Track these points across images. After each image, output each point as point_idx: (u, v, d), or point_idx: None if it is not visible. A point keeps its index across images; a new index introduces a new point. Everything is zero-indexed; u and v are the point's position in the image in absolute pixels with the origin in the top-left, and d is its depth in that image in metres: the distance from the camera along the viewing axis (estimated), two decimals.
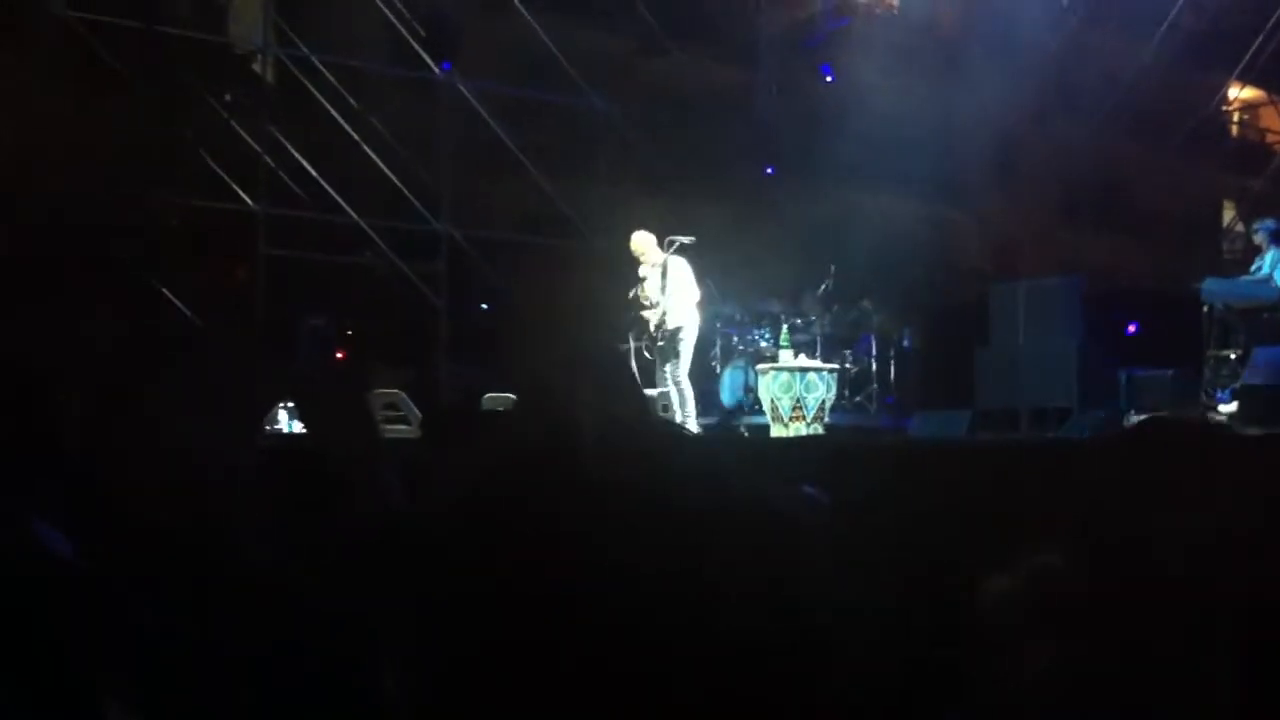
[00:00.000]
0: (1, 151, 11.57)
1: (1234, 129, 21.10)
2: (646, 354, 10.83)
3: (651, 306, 10.72)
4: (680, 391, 10.67)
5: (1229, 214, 17.90)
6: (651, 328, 10.73)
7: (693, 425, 10.45)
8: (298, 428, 8.31)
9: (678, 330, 10.62)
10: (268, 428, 8.76)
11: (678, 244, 10.93)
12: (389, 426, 8.90)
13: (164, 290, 12.03)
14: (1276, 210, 11.62)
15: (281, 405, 8.78)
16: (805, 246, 12.19)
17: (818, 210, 14.69)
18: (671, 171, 15.20)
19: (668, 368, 10.66)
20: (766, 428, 11.01)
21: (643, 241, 10.80)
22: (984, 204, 17.57)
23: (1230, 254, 14.58)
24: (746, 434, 10.55)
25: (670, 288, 10.67)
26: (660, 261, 10.70)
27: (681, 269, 10.71)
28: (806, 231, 13.21)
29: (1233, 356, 10.51)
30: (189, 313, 11.77)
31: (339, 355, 12.10)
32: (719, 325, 13.12)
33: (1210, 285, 10.74)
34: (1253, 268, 10.81)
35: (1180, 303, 11.28)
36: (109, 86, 12.97)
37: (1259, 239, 10.75)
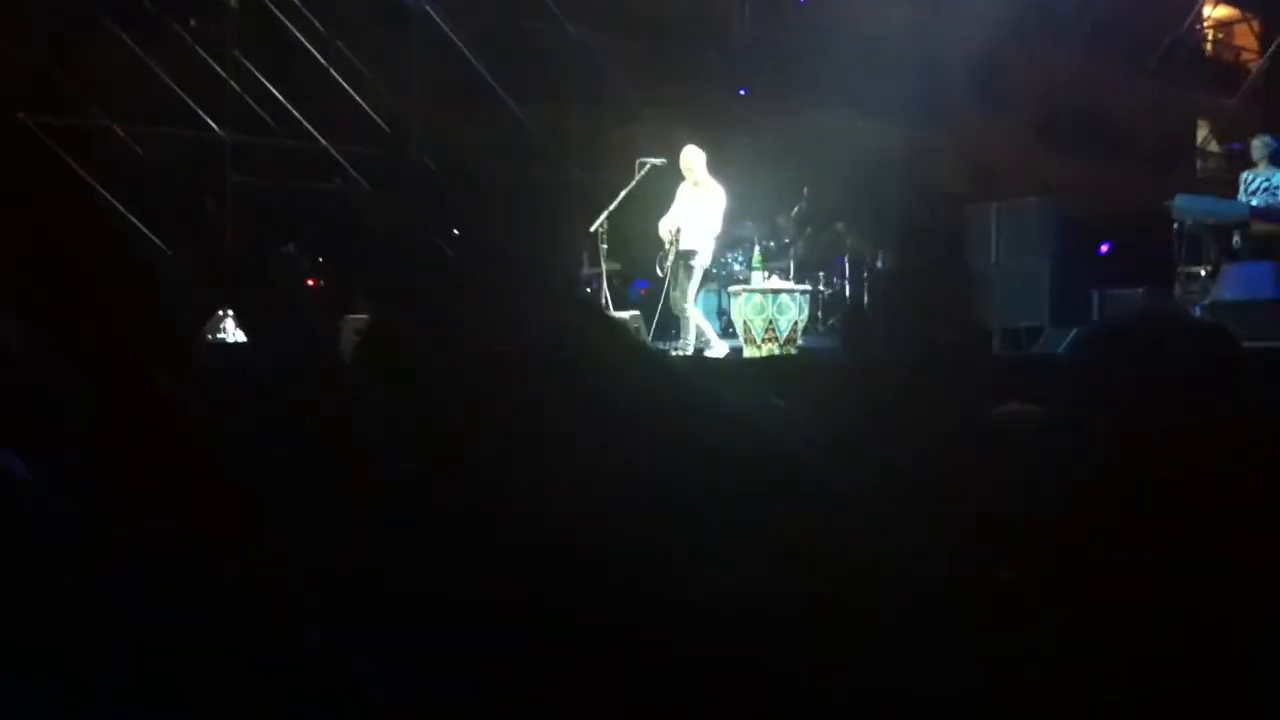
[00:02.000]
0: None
1: (1208, 47, 21.01)
2: (659, 271, 10.83)
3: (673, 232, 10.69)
4: (683, 318, 10.66)
5: (1202, 133, 17.89)
6: (666, 245, 10.71)
7: (712, 351, 10.48)
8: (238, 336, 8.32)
9: (690, 253, 10.58)
10: (210, 337, 8.76)
11: (648, 165, 10.90)
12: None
13: (131, 218, 11.93)
14: (1248, 129, 11.61)
15: (223, 314, 8.77)
16: (778, 169, 12.15)
17: (791, 132, 14.61)
18: (645, 97, 15.09)
19: (676, 292, 10.64)
20: (739, 350, 11.02)
21: (692, 158, 10.73)
22: (960, 126, 17.48)
23: (1203, 172, 14.60)
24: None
25: (698, 210, 10.63)
26: (703, 182, 10.66)
27: (717, 197, 10.65)
28: (780, 154, 13.16)
29: (1203, 273, 10.54)
30: (157, 240, 11.68)
31: (310, 282, 12.03)
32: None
33: (1182, 202, 10.75)
34: (1251, 179, 10.75)
35: (1151, 221, 11.29)
36: (71, 14, 12.81)
37: (1259, 154, 10.71)
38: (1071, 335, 9.51)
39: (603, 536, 1.64)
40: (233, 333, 8.35)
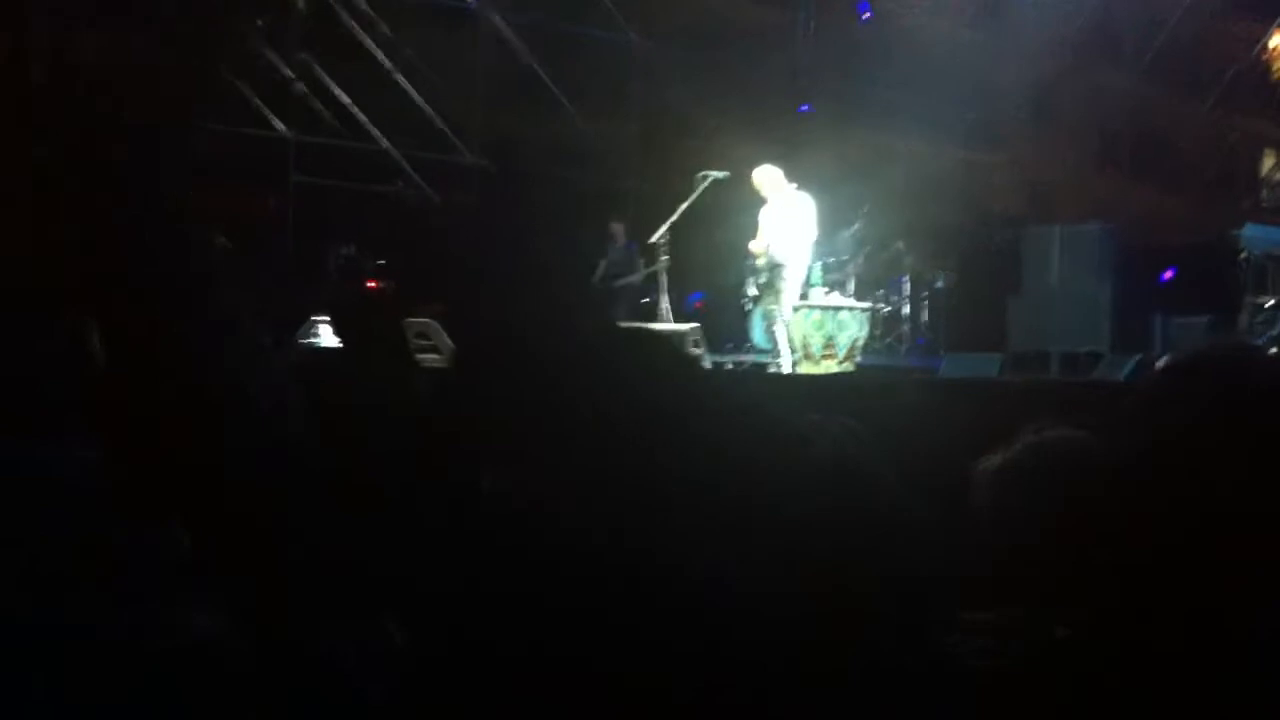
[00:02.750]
0: (39, 84, 11.54)
1: (1274, 76, 20.82)
2: (749, 289, 10.80)
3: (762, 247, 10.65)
4: (774, 334, 10.60)
5: (1269, 162, 17.72)
6: (757, 262, 10.66)
7: (785, 368, 10.42)
8: (333, 341, 8.34)
9: (780, 267, 10.53)
10: (302, 341, 8.80)
11: (710, 179, 10.89)
12: (420, 355, 8.90)
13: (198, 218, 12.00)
14: None
15: (316, 319, 8.82)
16: (839, 186, 12.09)
17: (852, 150, 14.57)
18: (705, 109, 15.08)
19: (766, 308, 10.60)
20: (795, 364, 10.97)
21: (764, 178, 10.69)
22: (1020, 149, 17.41)
23: (1269, 202, 14.46)
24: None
25: (783, 223, 10.58)
26: (783, 195, 10.61)
27: (804, 205, 10.61)
28: (840, 171, 13.11)
29: (1270, 304, 10.43)
30: (222, 239, 11.75)
31: (369, 284, 12.08)
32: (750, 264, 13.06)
33: (1251, 231, 10.65)
34: None
35: (1217, 250, 11.19)
36: (140, 14, 12.93)
37: None
38: (1135, 361, 9.45)
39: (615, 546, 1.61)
40: (327, 338, 8.40)
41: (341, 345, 3.55)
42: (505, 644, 1.53)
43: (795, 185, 10.75)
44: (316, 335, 8.65)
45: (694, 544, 1.59)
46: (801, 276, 10.73)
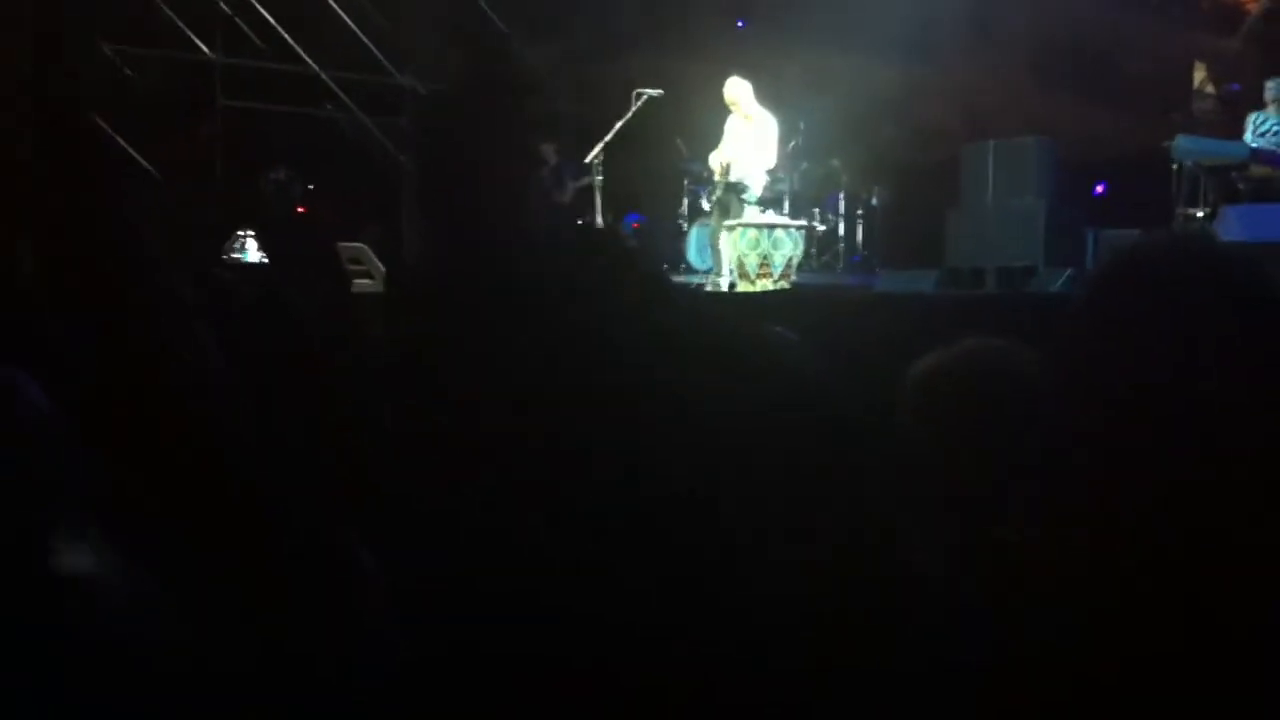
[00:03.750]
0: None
1: None
2: (704, 204, 10.74)
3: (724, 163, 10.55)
4: (718, 252, 10.56)
5: (1199, 75, 17.81)
6: (716, 177, 10.59)
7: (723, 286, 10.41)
8: (258, 257, 8.25)
9: (742, 187, 10.46)
10: (227, 256, 8.70)
11: (645, 96, 10.81)
12: (356, 280, 8.82)
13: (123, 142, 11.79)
14: (1246, 72, 11.56)
15: (243, 234, 8.71)
16: (774, 103, 12.02)
17: (788, 66, 14.47)
18: (638, 26, 14.92)
19: (710, 225, 10.55)
20: (732, 285, 10.99)
21: (738, 89, 10.57)
22: (956, 64, 17.35)
23: (1200, 114, 14.54)
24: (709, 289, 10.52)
25: (750, 142, 10.49)
26: (753, 114, 10.51)
27: (769, 127, 10.52)
28: (776, 88, 13.03)
29: (1201, 215, 10.52)
30: (149, 166, 11.57)
31: (301, 210, 11.93)
32: (686, 183, 13.01)
33: (1183, 143, 10.71)
34: (1261, 120, 10.73)
35: (1149, 162, 11.25)
36: None
37: (1271, 96, 10.72)
38: (1068, 274, 9.53)
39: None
40: (253, 253, 8.30)
41: (268, 260, 3.50)
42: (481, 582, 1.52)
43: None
44: (244, 250, 8.54)
45: (664, 460, 1.58)
46: (759, 197, 10.70)
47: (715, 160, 10.63)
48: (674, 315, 1.86)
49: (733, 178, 10.49)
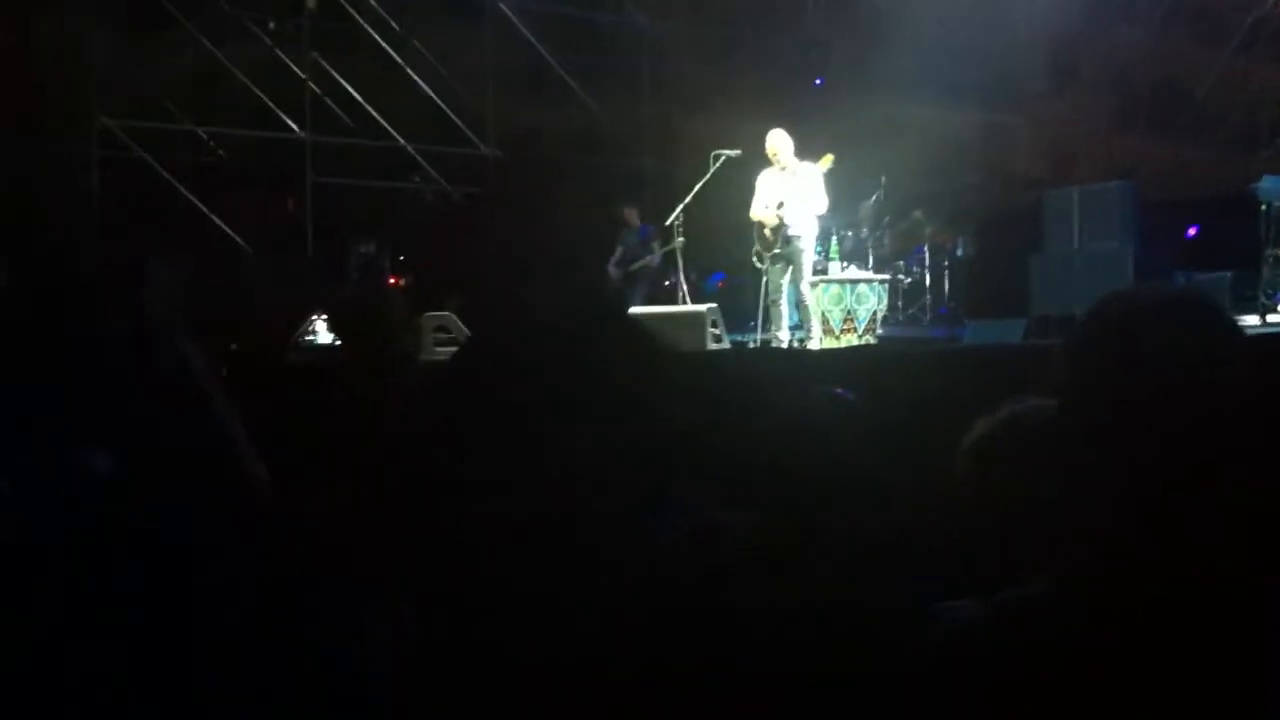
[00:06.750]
0: (53, 87, 11.63)
1: None
2: (757, 262, 10.60)
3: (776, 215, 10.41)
4: (789, 305, 10.45)
5: None
6: (767, 232, 10.44)
7: (814, 344, 10.30)
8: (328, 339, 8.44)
9: (795, 239, 10.33)
10: (303, 339, 8.88)
11: (723, 158, 10.87)
12: (441, 348, 8.97)
13: (215, 219, 12.12)
14: None
15: (316, 317, 8.89)
16: (855, 158, 12.04)
17: (868, 120, 14.50)
18: (717, 88, 15.04)
19: (783, 279, 10.41)
20: (803, 340, 10.94)
21: (778, 141, 10.49)
22: (1038, 110, 17.28)
23: None
24: (789, 346, 10.41)
25: (793, 193, 10.37)
26: (792, 165, 10.42)
27: (814, 175, 10.41)
28: (857, 143, 13.05)
29: None
30: (240, 241, 11.87)
31: (391, 281, 12.15)
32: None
33: (1267, 183, 10.54)
34: None
35: (1237, 204, 11.09)
36: (152, 19, 13.01)
37: None
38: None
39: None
40: (324, 334, 8.49)
41: (338, 342, 3.60)
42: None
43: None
44: (314, 333, 8.74)
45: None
46: (812, 247, 10.60)
47: (758, 213, 10.43)
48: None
49: (788, 233, 10.30)
